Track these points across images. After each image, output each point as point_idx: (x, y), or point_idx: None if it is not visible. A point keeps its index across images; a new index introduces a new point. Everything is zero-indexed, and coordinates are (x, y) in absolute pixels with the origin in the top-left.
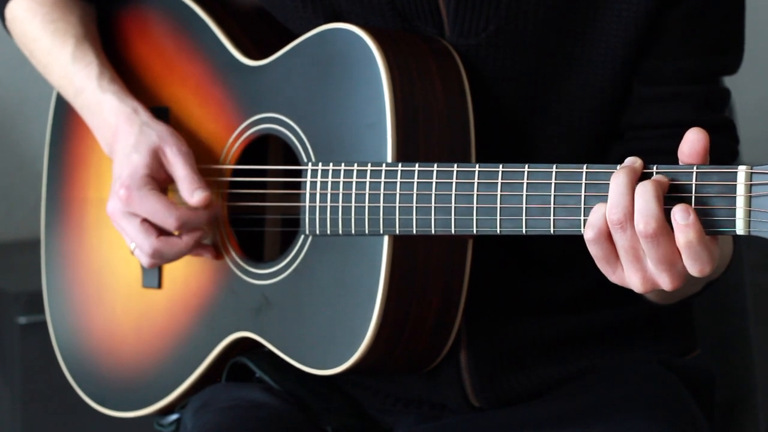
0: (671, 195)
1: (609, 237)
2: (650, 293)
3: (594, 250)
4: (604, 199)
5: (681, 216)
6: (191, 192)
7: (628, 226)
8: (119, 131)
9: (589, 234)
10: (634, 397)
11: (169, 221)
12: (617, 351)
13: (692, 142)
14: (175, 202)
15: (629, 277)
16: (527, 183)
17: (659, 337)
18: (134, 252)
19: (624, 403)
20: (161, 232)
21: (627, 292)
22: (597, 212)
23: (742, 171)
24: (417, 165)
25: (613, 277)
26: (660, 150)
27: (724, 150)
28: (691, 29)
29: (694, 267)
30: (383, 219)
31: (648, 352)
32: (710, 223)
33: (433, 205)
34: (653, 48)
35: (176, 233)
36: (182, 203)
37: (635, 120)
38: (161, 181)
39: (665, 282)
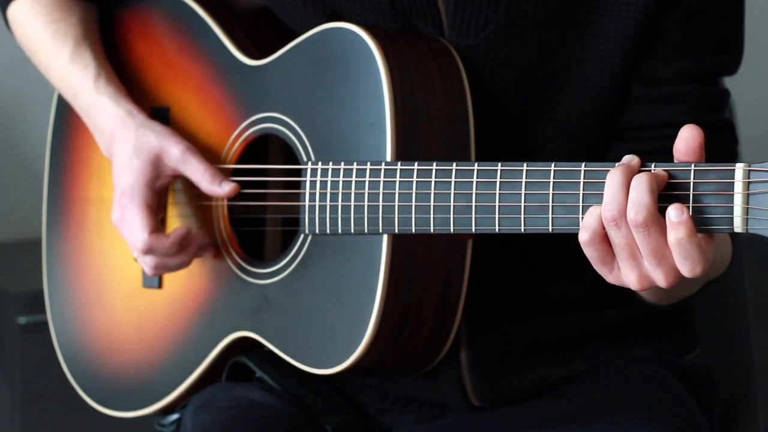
0: (669, 193)
1: (604, 238)
2: (649, 294)
3: (589, 252)
4: (602, 197)
5: (674, 213)
6: (219, 184)
7: (623, 223)
8: (116, 135)
9: (584, 236)
10: (634, 397)
11: (138, 243)
12: (617, 351)
13: (687, 139)
14: (153, 225)
15: (625, 275)
16: (526, 182)
17: (659, 337)
18: (137, 260)
19: (624, 403)
20: None
21: (627, 292)
22: (591, 214)
23: (739, 169)
24: (416, 164)
25: (610, 277)
26: (659, 150)
27: (722, 150)
28: (691, 30)
29: (684, 266)
30: (382, 218)
31: (648, 352)
32: (708, 221)
33: (432, 203)
34: (653, 48)
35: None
36: (186, 204)
37: (634, 120)
38: (161, 188)
39: (660, 278)
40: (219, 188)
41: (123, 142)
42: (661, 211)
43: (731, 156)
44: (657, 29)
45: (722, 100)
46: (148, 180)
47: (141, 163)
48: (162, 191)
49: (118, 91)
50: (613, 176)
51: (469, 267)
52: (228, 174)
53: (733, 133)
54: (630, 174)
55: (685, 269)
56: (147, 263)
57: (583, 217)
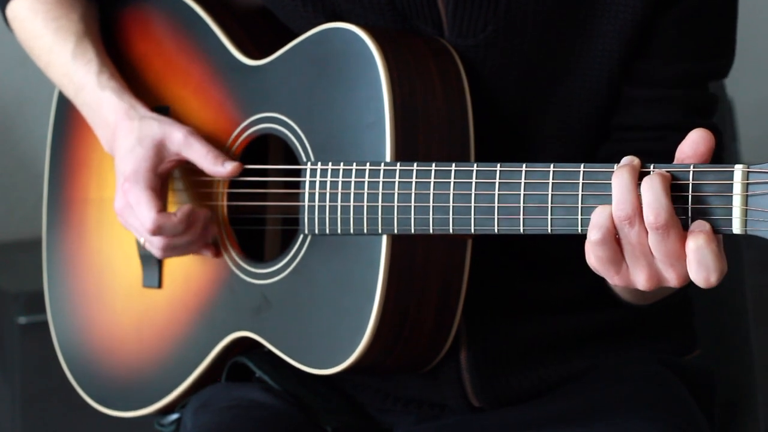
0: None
1: (615, 237)
2: (627, 294)
3: (600, 252)
4: (601, 198)
5: (697, 225)
6: (222, 164)
7: (637, 222)
8: (118, 128)
9: (596, 236)
10: (634, 397)
11: (147, 223)
12: (617, 351)
13: (696, 143)
14: (160, 205)
15: (635, 275)
16: (525, 182)
17: (659, 337)
18: (145, 244)
19: (624, 403)
20: None
21: None
22: (601, 214)
23: (738, 170)
24: (415, 164)
25: (616, 278)
26: (646, 152)
27: None
28: (684, 33)
29: (699, 273)
30: (381, 218)
31: (648, 352)
32: (707, 222)
33: (431, 204)
34: (647, 50)
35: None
36: (185, 203)
37: (623, 121)
38: (164, 173)
39: (672, 277)
40: (222, 168)
41: (126, 133)
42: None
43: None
44: (652, 30)
45: (711, 106)
46: (151, 165)
47: (144, 150)
48: (165, 176)
49: (121, 87)
50: (621, 176)
51: (469, 268)
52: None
53: (720, 140)
54: (635, 174)
55: (700, 277)
56: (155, 244)
57: (583, 218)
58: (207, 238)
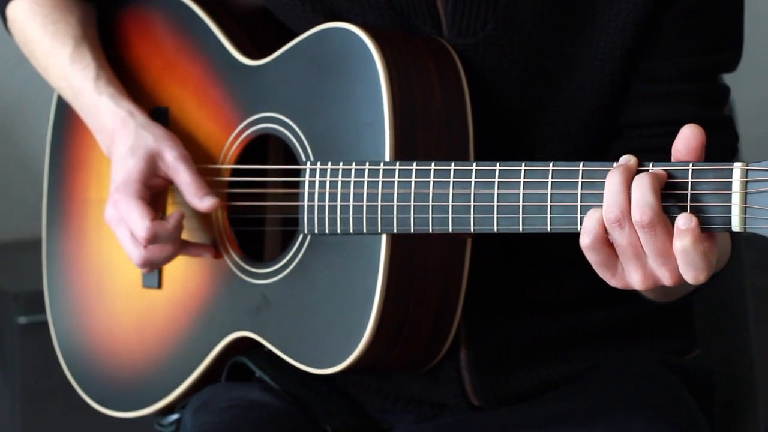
0: (667, 192)
1: (606, 241)
2: (651, 292)
3: (592, 257)
4: (601, 197)
5: (683, 221)
6: (200, 198)
7: (626, 224)
8: (115, 135)
9: (585, 240)
10: (634, 396)
11: (140, 232)
12: (617, 351)
13: (688, 139)
14: (152, 214)
15: (630, 276)
16: (524, 181)
17: (659, 337)
18: (132, 255)
19: (624, 403)
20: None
21: (627, 292)
22: (591, 218)
23: (737, 168)
24: (414, 164)
25: (613, 281)
26: (658, 148)
27: (723, 148)
28: (689, 27)
29: (688, 272)
30: (381, 218)
31: (648, 352)
32: (706, 220)
33: (430, 203)
34: (651, 46)
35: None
36: (184, 204)
37: (633, 118)
38: (155, 187)
39: (666, 276)
40: (199, 202)
41: (122, 141)
42: (665, 209)
43: (732, 153)
44: (655, 27)
45: (722, 97)
46: (142, 177)
47: (136, 161)
48: (156, 190)
49: (118, 92)
50: (613, 178)
51: (469, 267)
52: (227, 174)
53: (733, 130)
54: (629, 174)
55: (689, 276)
56: (146, 253)
57: (582, 216)
58: (198, 249)
